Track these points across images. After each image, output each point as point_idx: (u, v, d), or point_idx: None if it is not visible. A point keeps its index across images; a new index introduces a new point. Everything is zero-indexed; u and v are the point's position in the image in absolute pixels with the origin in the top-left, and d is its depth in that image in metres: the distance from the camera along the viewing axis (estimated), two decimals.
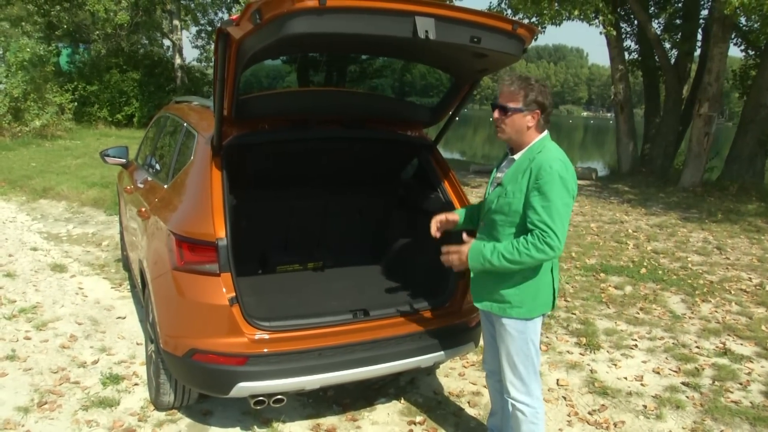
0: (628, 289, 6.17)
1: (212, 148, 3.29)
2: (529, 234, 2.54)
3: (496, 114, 2.66)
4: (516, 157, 2.70)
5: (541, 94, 2.60)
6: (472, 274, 2.88)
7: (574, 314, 5.37)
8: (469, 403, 3.87)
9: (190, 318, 3.11)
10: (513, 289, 2.69)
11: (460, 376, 4.21)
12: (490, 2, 15.12)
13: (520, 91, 2.59)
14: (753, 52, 14.83)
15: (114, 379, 3.92)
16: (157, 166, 4.61)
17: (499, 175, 2.80)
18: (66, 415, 3.52)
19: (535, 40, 3.92)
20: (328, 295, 3.89)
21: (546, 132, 2.71)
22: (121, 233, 5.94)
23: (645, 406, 3.89)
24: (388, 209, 4.58)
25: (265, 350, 3.04)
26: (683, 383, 4.21)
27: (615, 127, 15.43)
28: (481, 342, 3.39)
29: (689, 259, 7.39)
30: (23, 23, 20.38)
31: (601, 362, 4.50)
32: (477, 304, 2.87)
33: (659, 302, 5.80)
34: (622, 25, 15.58)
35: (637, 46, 16.44)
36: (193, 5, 25.63)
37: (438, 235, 3.09)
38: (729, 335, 5.07)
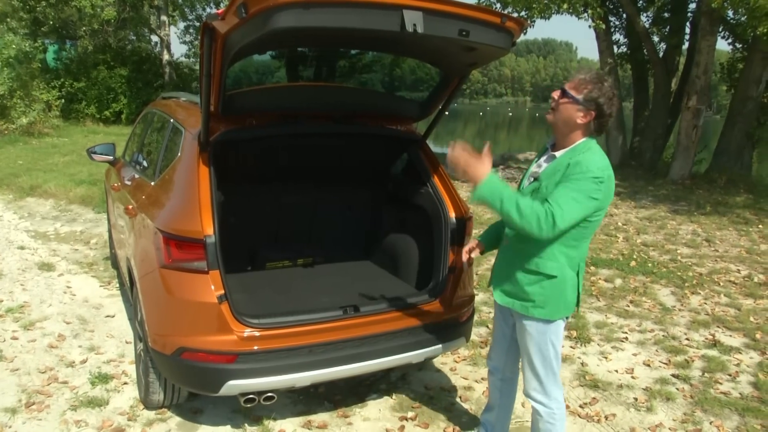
0: (618, 281, 6.19)
1: (199, 144, 3.25)
2: (545, 203, 2.43)
3: (555, 94, 2.58)
4: (558, 154, 2.62)
5: (606, 98, 2.50)
6: (495, 268, 2.83)
7: None
8: (460, 398, 3.87)
9: (178, 316, 3.08)
10: (537, 287, 2.61)
11: (451, 371, 4.20)
12: None
13: (588, 84, 2.51)
14: (740, 46, 14.86)
15: (103, 378, 3.89)
16: (144, 163, 4.56)
17: (536, 169, 2.70)
18: (54, 415, 3.49)
19: (525, 33, 3.91)
20: (318, 292, 3.87)
21: (593, 139, 2.61)
22: (110, 231, 5.89)
23: (636, 399, 3.90)
24: (378, 204, 4.56)
25: (255, 348, 3.02)
26: (673, 375, 4.23)
27: None
28: (474, 337, 3.38)
29: (678, 251, 7.42)
30: (8, 19, 20.15)
31: (591, 355, 4.51)
32: (498, 300, 2.79)
33: (649, 295, 5.82)
34: (610, 18, 15.59)
35: (625, 40, 16.45)
36: (180, 1, 25.44)
37: (468, 261, 3.03)
38: (718, 327, 5.10)
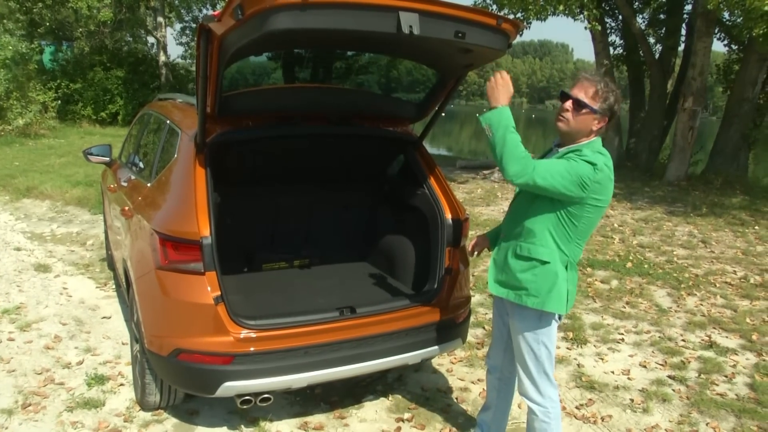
0: (615, 283, 6.20)
1: (196, 145, 3.25)
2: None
3: (567, 105, 2.59)
4: (561, 149, 2.67)
5: (618, 103, 2.58)
6: (492, 260, 2.86)
7: None
8: (457, 399, 3.87)
9: (174, 317, 3.08)
10: (530, 274, 2.64)
11: (448, 372, 4.21)
12: None
13: (603, 93, 2.54)
14: (736, 47, 14.92)
15: (99, 379, 3.88)
16: (141, 165, 4.56)
17: None
18: (50, 416, 3.48)
19: (521, 35, 3.91)
20: (315, 293, 3.87)
21: (599, 139, 2.65)
22: (106, 232, 5.88)
23: (632, 400, 3.91)
24: (375, 206, 4.57)
25: (251, 349, 3.02)
26: (670, 376, 4.23)
27: None
28: (470, 338, 3.38)
29: (675, 252, 7.44)
30: (5, 21, 20.14)
31: (588, 356, 4.52)
32: (493, 291, 2.83)
33: (645, 296, 5.83)
34: (606, 20, 15.62)
35: (621, 41, 16.50)
36: (177, 2, 25.43)
37: (475, 253, 3.15)
38: (714, 328, 5.11)
